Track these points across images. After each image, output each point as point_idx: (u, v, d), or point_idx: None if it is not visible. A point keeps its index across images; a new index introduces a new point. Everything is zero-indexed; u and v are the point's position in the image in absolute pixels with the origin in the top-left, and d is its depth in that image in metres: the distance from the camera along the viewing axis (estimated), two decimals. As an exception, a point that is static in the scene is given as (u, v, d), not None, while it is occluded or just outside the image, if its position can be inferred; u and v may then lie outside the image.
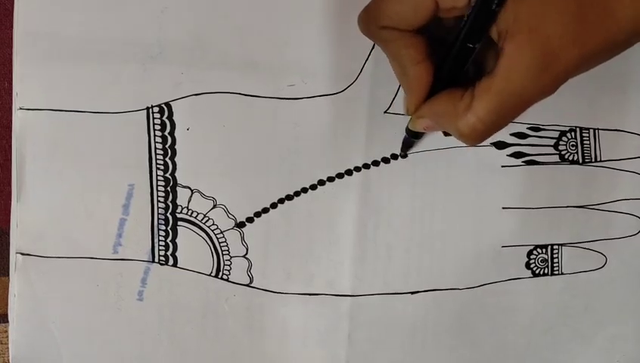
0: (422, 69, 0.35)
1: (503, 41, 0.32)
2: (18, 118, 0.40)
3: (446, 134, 0.41)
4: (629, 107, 0.44)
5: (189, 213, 0.42)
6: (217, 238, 0.42)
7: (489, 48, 0.34)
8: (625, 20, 0.31)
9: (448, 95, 0.35)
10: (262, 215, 0.42)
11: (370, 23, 0.35)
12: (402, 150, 0.43)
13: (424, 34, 0.35)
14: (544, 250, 0.45)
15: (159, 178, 0.41)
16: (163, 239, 0.42)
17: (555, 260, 0.45)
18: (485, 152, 0.43)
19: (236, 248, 0.42)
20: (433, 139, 0.43)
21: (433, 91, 0.36)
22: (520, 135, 0.44)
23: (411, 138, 0.42)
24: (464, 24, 0.33)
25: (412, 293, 0.44)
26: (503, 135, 0.43)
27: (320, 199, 0.42)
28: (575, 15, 0.31)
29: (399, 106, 0.42)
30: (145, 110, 0.41)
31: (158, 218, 0.42)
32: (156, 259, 0.42)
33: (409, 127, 0.40)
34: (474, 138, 0.34)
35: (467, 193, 0.44)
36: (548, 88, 0.32)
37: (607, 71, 0.39)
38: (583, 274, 0.45)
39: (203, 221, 0.42)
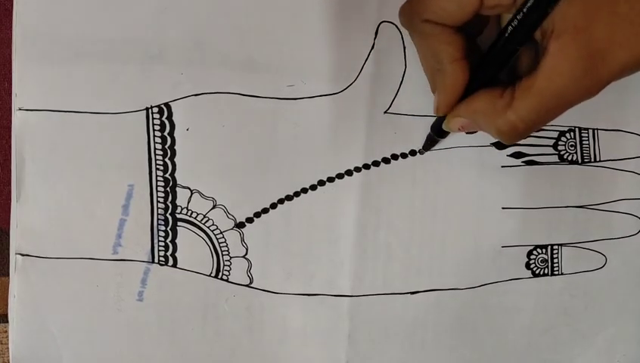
0: (459, 68, 0.35)
1: (548, 40, 0.32)
2: (18, 118, 0.40)
3: (470, 132, 0.41)
4: (627, 107, 0.44)
5: (189, 214, 0.42)
6: (217, 238, 0.42)
7: (528, 48, 0.34)
8: None
9: (486, 94, 0.35)
10: (262, 215, 0.42)
11: (413, 15, 0.34)
12: (424, 147, 0.42)
13: (462, 32, 0.34)
14: (544, 250, 0.45)
15: (158, 178, 0.41)
16: (163, 239, 0.42)
17: (555, 260, 0.45)
18: (485, 152, 0.43)
19: (236, 248, 0.42)
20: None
21: (467, 92, 0.36)
22: None
23: (436, 137, 0.41)
24: (513, 23, 0.33)
25: (412, 293, 0.44)
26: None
27: (320, 199, 0.42)
28: (625, 18, 0.31)
29: (400, 106, 0.42)
30: (145, 111, 0.41)
31: (158, 219, 0.42)
32: (156, 260, 0.42)
33: (443, 127, 0.39)
34: (513, 137, 0.34)
35: (468, 193, 0.44)
36: (591, 89, 0.32)
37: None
38: (583, 274, 0.45)
39: (203, 221, 0.42)
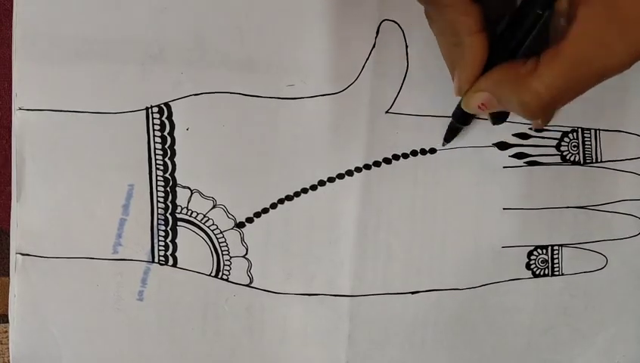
0: (479, 40, 0.33)
1: (576, 7, 0.30)
2: (18, 118, 0.40)
3: (496, 122, 0.39)
4: (630, 107, 0.44)
5: (189, 213, 0.42)
6: (217, 238, 0.42)
7: (555, 22, 0.33)
8: None
9: (508, 65, 0.33)
10: (262, 215, 0.42)
11: None
12: (445, 138, 0.42)
13: (479, 2, 0.33)
14: (544, 251, 0.44)
15: (158, 178, 0.41)
16: (163, 239, 0.42)
17: (556, 261, 0.45)
18: (487, 153, 0.43)
19: (236, 248, 0.42)
20: (434, 139, 0.42)
21: (486, 68, 0.34)
22: (523, 136, 0.43)
23: (458, 124, 0.40)
24: None
25: (412, 293, 0.44)
26: (506, 136, 0.43)
27: (320, 199, 0.42)
28: None
29: (401, 105, 0.42)
30: (145, 110, 0.41)
31: (158, 219, 0.42)
32: (156, 259, 0.42)
33: (462, 106, 0.37)
34: (538, 109, 0.32)
35: (468, 193, 0.43)
36: (623, 59, 0.30)
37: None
38: (584, 275, 0.45)
39: (203, 221, 0.42)
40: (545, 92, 0.31)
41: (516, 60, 0.33)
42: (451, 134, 0.42)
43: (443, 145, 0.43)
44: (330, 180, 0.42)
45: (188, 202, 0.42)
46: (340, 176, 0.42)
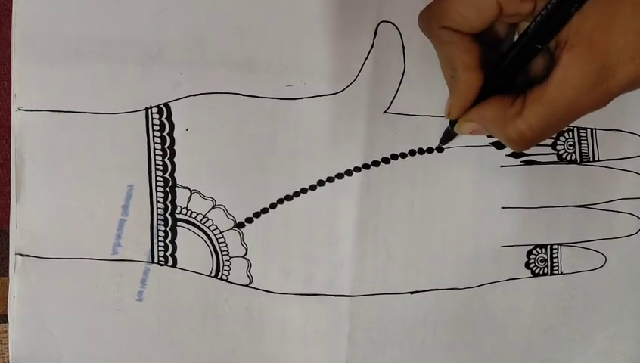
0: (473, 76, 0.36)
1: (561, 50, 0.33)
2: (17, 119, 0.40)
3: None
4: (625, 106, 0.44)
5: (188, 214, 0.42)
6: (216, 238, 0.42)
7: (540, 59, 0.35)
8: None
9: (498, 101, 0.36)
10: (262, 215, 0.42)
11: (432, 21, 0.35)
12: (441, 142, 0.43)
13: (479, 41, 0.35)
14: (543, 250, 0.45)
15: (158, 178, 0.41)
16: (163, 239, 0.42)
17: (555, 260, 0.45)
18: (484, 152, 0.43)
19: (235, 248, 0.42)
20: (432, 139, 0.43)
21: (480, 97, 0.36)
22: None
23: (454, 132, 0.41)
24: (535, 23, 0.33)
25: (412, 293, 0.44)
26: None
27: (320, 199, 0.42)
28: (638, 33, 0.32)
29: (399, 105, 0.42)
30: (144, 111, 0.41)
31: (157, 219, 0.42)
32: (156, 260, 0.42)
33: (455, 130, 0.39)
34: (522, 145, 0.35)
35: (467, 193, 0.44)
36: (600, 101, 0.33)
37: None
38: (583, 274, 0.45)
39: (203, 221, 0.42)
40: (529, 132, 0.34)
41: (505, 96, 0.35)
42: (446, 139, 0.42)
43: (439, 150, 0.43)
44: (330, 180, 0.42)
45: (188, 202, 0.42)
46: (340, 176, 0.42)
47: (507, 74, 0.36)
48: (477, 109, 0.36)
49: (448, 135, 0.42)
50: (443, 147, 0.43)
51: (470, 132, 0.38)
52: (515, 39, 0.36)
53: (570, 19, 0.32)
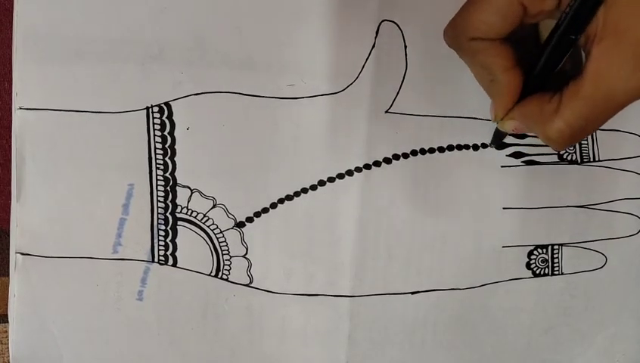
0: (512, 76, 0.35)
1: (591, 44, 0.32)
2: (18, 118, 0.40)
3: (499, 147, 0.42)
4: (627, 107, 0.44)
5: (189, 213, 0.42)
6: (217, 238, 0.42)
7: (575, 54, 0.34)
8: None
9: (537, 99, 0.35)
10: (262, 215, 0.42)
11: (458, 36, 0.35)
12: (493, 141, 0.42)
13: (509, 41, 0.35)
14: (544, 250, 0.45)
15: (158, 177, 0.41)
16: (163, 239, 0.42)
17: (555, 260, 0.45)
18: (485, 152, 0.43)
19: (236, 248, 0.42)
20: (434, 139, 0.43)
21: (522, 94, 0.36)
22: (519, 135, 0.43)
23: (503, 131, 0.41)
24: (565, 17, 0.33)
25: (412, 293, 0.44)
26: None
27: (320, 199, 0.42)
28: None
29: (401, 105, 0.42)
30: (145, 110, 0.41)
31: (158, 218, 0.42)
32: (156, 259, 0.42)
33: (499, 127, 0.39)
34: (562, 143, 0.34)
35: (468, 193, 0.44)
36: (638, 90, 0.32)
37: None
38: (583, 274, 0.45)
39: (203, 220, 0.42)
40: (568, 130, 0.33)
41: (545, 92, 0.35)
42: (498, 138, 0.42)
43: (492, 146, 0.43)
44: (330, 180, 0.42)
45: (188, 201, 0.42)
46: (340, 176, 0.42)
47: (545, 70, 0.35)
48: (518, 107, 0.36)
49: (499, 135, 0.42)
50: (494, 147, 0.43)
51: (513, 130, 0.37)
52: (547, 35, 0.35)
53: (599, 7, 0.32)
